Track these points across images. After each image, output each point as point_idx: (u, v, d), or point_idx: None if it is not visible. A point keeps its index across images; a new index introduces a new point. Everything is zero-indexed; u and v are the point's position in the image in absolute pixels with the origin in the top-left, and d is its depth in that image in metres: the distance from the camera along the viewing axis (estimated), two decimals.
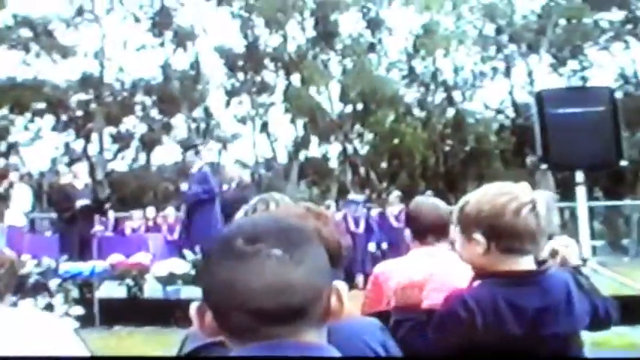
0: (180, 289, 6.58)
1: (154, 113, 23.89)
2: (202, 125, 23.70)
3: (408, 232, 2.52)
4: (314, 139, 23.30)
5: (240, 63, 22.93)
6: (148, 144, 23.78)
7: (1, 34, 21.40)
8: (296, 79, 22.51)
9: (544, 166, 7.54)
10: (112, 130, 23.50)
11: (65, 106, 22.68)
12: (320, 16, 21.79)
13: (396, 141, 21.03)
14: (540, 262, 1.77)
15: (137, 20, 22.90)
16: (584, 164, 6.98)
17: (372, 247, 10.11)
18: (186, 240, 8.28)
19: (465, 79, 22.56)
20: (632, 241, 13.72)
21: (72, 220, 8.18)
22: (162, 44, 23.10)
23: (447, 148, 22.19)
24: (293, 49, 22.41)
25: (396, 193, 11.50)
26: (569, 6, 20.61)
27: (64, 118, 23.12)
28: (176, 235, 11.42)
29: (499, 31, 21.82)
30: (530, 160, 17.96)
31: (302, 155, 23.30)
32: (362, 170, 22.25)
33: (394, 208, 10.66)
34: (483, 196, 1.69)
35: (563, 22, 21.24)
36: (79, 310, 6.06)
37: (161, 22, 22.69)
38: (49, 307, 5.91)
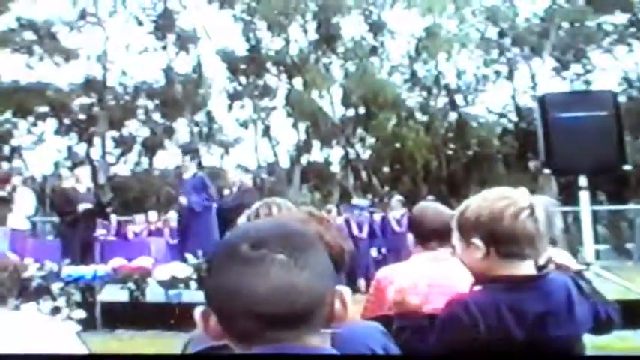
0: (182, 292, 6.60)
1: (157, 117, 23.94)
2: (204, 129, 23.71)
3: (411, 237, 2.52)
4: (316, 144, 23.29)
5: (243, 66, 22.93)
6: (151, 148, 23.81)
7: (5, 37, 21.47)
8: (298, 82, 22.50)
9: (547, 171, 7.51)
10: (114, 133, 23.54)
11: (68, 109, 22.73)
12: (322, 19, 21.77)
13: (398, 145, 21.01)
14: (540, 267, 1.78)
15: (140, 23, 22.97)
16: (587, 169, 6.98)
17: (374, 252, 10.16)
18: (183, 246, 8.28)
19: (468, 83, 22.54)
20: (636, 246, 13.66)
21: (74, 224, 8.18)
22: (164, 47, 23.15)
23: (450, 153, 22.13)
24: (295, 52, 22.41)
25: (397, 198, 11.49)
26: (572, 9, 20.57)
27: (66, 121, 23.18)
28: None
29: (502, 34, 21.80)
30: (532, 164, 17.89)
31: (304, 159, 23.29)
32: (364, 174, 22.22)
33: (396, 212, 10.66)
34: (482, 202, 1.71)
35: (566, 25, 21.19)
36: (81, 314, 6.07)
37: (164, 25, 22.74)
38: (55, 311, 5.92)
